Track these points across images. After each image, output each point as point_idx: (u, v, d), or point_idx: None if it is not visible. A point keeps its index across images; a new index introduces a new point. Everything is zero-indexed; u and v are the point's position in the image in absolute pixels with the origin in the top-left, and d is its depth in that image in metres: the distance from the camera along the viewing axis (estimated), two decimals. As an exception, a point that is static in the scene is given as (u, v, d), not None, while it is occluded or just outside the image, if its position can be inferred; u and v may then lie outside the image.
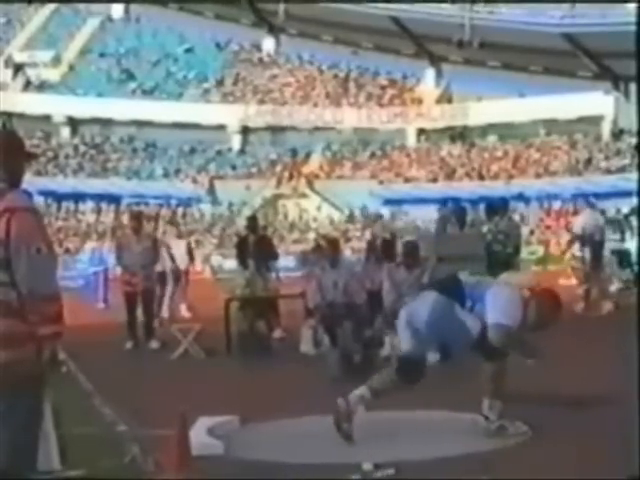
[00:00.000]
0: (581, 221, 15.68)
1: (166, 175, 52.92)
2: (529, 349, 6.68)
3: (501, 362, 6.70)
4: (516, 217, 21.35)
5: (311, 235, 40.21)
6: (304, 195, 50.75)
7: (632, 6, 35.08)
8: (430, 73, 55.27)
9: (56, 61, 57.90)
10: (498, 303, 6.40)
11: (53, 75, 57.26)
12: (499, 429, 6.59)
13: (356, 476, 5.58)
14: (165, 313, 15.87)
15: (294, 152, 53.34)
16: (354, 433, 6.55)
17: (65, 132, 55.49)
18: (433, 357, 9.36)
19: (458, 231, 13.05)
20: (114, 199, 50.73)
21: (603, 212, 43.61)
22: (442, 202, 34.01)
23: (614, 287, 16.67)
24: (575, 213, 42.41)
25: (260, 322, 12.29)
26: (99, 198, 51.08)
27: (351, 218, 48.68)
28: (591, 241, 15.08)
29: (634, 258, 18.92)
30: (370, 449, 6.27)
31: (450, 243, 12.49)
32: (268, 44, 59.65)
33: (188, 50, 59.35)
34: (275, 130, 54.67)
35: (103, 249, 24.37)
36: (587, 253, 15.19)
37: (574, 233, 15.88)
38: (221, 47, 59.81)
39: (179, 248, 16.92)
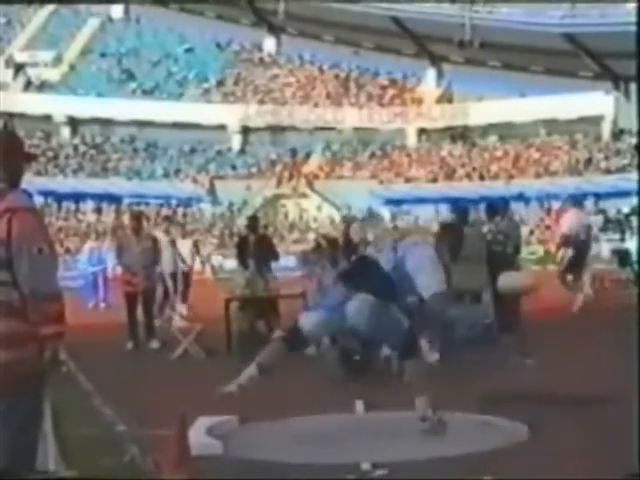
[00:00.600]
0: (568, 220, 15.67)
1: (166, 175, 52.92)
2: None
3: (418, 357, 6.78)
4: (516, 217, 21.34)
5: (311, 235, 40.19)
6: (304, 195, 50.75)
7: (632, 6, 35.09)
8: (431, 73, 55.27)
9: (57, 61, 57.88)
10: (423, 272, 6.49)
11: (54, 75, 57.24)
12: (439, 423, 6.61)
13: (355, 476, 5.58)
14: (181, 312, 15.83)
15: (294, 152, 53.33)
16: (349, 433, 6.59)
17: (65, 132, 55.47)
18: (433, 357, 9.37)
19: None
20: (114, 199, 50.71)
21: (603, 212, 43.76)
22: (453, 202, 33.97)
23: (585, 290, 16.69)
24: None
25: (260, 322, 12.29)
26: (99, 198, 51.07)
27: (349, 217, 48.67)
28: (576, 240, 15.09)
29: (634, 258, 18.94)
30: (370, 449, 6.28)
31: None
32: (269, 44, 59.65)
33: (188, 50, 59.35)
34: (275, 130, 54.65)
35: (102, 249, 24.29)
36: (570, 252, 15.20)
37: (561, 233, 15.90)
38: (222, 47, 59.80)
39: (184, 248, 16.92)
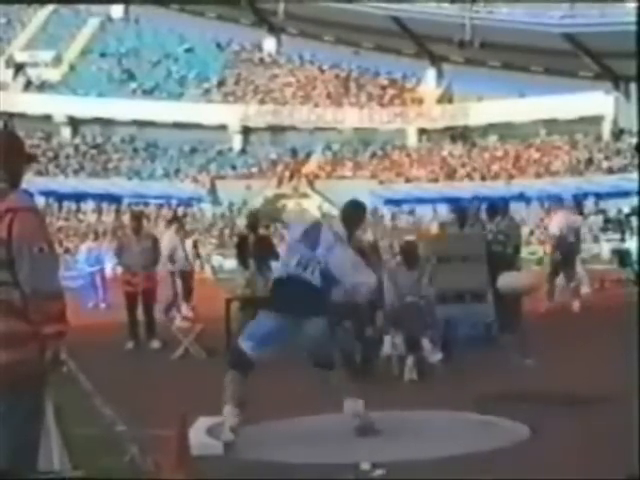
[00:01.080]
0: (556, 222, 15.70)
1: (167, 175, 52.92)
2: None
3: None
4: (516, 217, 21.35)
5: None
6: (305, 195, 50.74)
7: (632, 6, 35.08)
8: (431, 73, 55.26)
9: (57, 61, 57.90)
10: (348, 275, 6.70)
11: (54, 75, 57.25)
12: (370, 423, 6.69)
13: (355, 476, 5.58)
14: (186, 313, 15.79)
15: (294, 152, 53.33)
16: (349, 433, 6.61)
17: (66, 132, 55.49)
18: (435, 357, 9.38)
19: (458, 231, 13.06)
20: (115, 199, 50.74)
21: (604, 212, 43.65)
22: (454, 202, 33.86)
23: (584, 290, 16.69)
24: (580, 213, 42.50)
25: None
26: (100, 198, 51.10)
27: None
28: (564, 242, 15.12)
29: (634, 258, 18.96)
30: (370, 449, 6.28)
31: (450, 243, 12.50)
32: (269, 44, 59.63)
33: (189, 50, 59.35)
34: (276, 130, 54.65)
35: (101, 249, 24.27)
36: (557, 254, 15.22)
37: (551, 234, 15.91)
38: (222, 47, 59.80)
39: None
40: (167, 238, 15.32)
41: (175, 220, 17.99)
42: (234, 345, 6.96)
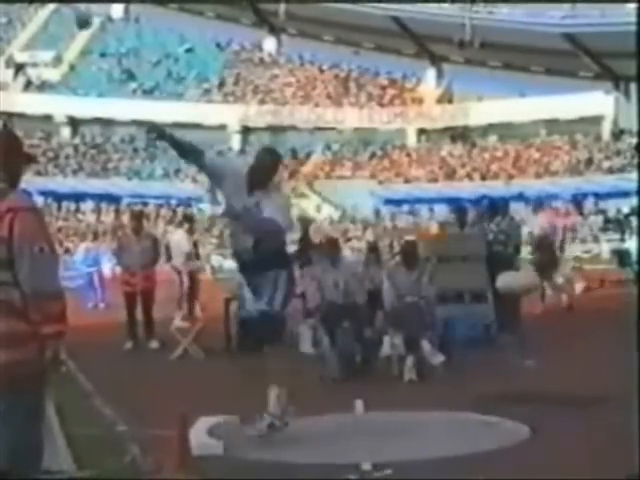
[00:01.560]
0: (538, 223, 15.83)
1: (166, 175, 52.90)
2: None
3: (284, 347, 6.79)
4: (516, 217, 21.36)
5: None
6: (304, 195, 50.72)
7: (632, 6, 35.08)
8: (431, 73, 55.24)
9: (57, 61, 57.87)
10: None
11: (54, 75, 57.21)
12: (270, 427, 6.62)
13: (355, 476, 5.58)
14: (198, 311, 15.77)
15: (294, 152, 53.31)
16: (349, 433, 6.58)
17: (66, 132, 55.46)
18: (437, 359, 9.38)
19: (458, 231, 13.06)
20: (114, 199, 50.71)
21: (603, 212, 43.62)
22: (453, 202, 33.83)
23: (580, 286, 16.71)
24: (580, 213, 42.57)
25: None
26: (99, 198, 51.06)
27: (345, 216, 48.71)
28: (545, 241, 15.20)
29: (634, 258, 18.97)
30: (370, 449, 6.28)
31: (450, 243, 12.50)
32: (269, 44, 59.62)
33: (189, 50, 59.33)
34: (275, 130, 54.62)
35: (98, 249, 24.26)
36: (538, 254, 15.31)
37: (533, 234, 16.01)
38: (222, 47, 59.79)
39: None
40: (181, 237, 15.36)
41: (187, 220, 17.99)
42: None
